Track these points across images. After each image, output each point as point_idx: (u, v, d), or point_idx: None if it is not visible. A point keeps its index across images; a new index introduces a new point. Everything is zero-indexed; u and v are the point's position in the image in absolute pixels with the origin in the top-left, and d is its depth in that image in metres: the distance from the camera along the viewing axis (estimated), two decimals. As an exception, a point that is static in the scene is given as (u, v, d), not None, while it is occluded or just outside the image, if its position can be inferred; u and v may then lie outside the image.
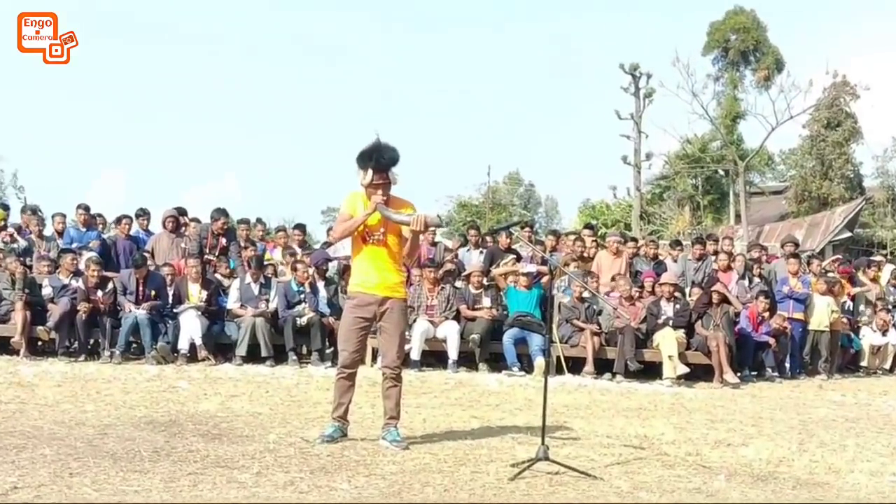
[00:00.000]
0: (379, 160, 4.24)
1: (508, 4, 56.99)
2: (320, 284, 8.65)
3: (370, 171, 4.25)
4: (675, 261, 10.05)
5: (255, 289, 8.46)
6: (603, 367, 8.30)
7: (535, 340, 8.18)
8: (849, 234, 21.24)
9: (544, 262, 9.03)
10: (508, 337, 8.27)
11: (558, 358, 8.26)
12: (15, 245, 9.02)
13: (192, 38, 60.61)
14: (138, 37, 57.15)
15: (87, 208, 9.80)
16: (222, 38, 60.97)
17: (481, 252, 9.87)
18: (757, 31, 26.45)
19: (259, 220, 10.35)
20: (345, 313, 4.53)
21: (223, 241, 8.92)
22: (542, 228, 24.33)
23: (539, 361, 7.87)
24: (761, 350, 8.75)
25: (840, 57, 53.19)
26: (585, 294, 8.60)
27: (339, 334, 4.59)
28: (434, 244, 9.95)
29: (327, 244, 10.56)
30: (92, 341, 8.18)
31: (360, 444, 4.32)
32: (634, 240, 10.91)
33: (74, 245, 9.23)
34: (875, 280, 10.61)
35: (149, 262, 8.56)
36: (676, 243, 10.96)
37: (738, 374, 8.22)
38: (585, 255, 9.76)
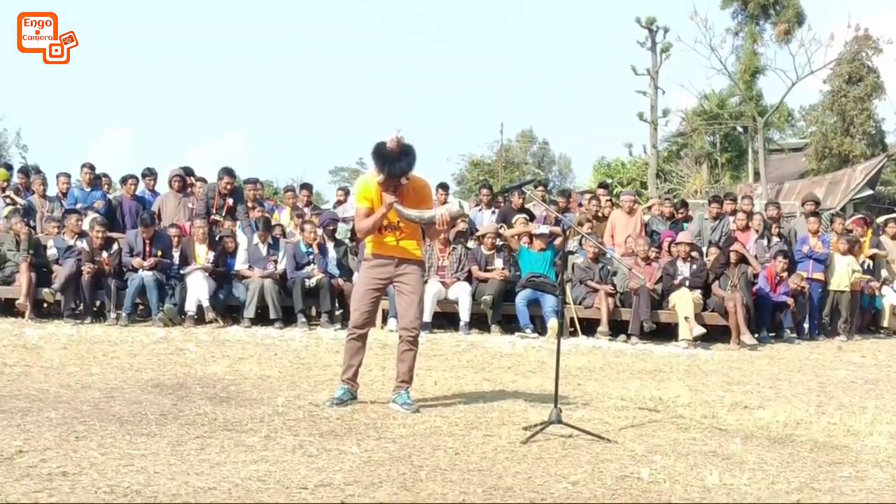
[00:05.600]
0: (391, 172, 4.16)
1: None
2: (329, 245, 8.56)
3: (382, 175, 4.20)
4: (686, 220, 9.80)
5: (264, 250, 8.39)
6: (617, 328, 8.21)
7: (549, 302, 8.08)
8: (870, 191, 20.82)
9: (557, 222, 8.87)
10: (521, 298, 8.18)
11: (572, 319, 8.17)
12: (17, 206, 8.95)
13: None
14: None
15: (92, 167, 9.72)
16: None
17: (493, 212, 9.71)
18: (777, -17, 25.55)
19: (255, 180, 10.11)
20: (361, 273, 4.56)
21: (230, 201, 8.80)
22: (556, 187, 24.02)
23: (552, 323, 7.78)
24: (779, 311, 8.62)
25: (862, 10, 51.44)
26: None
27: (353, 294, 4.58)
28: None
29: (338, 203, 10.42)
30: (98, 303, 8.15)
31: (370, 408, 4.28)
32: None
33: (79, 205, 9.15)
34: (896, 238, 10.34)
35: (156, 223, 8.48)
36: (682, 204, 10.45)
37: (756, 335, 8.11)
38: (600, 214, 9.59)
